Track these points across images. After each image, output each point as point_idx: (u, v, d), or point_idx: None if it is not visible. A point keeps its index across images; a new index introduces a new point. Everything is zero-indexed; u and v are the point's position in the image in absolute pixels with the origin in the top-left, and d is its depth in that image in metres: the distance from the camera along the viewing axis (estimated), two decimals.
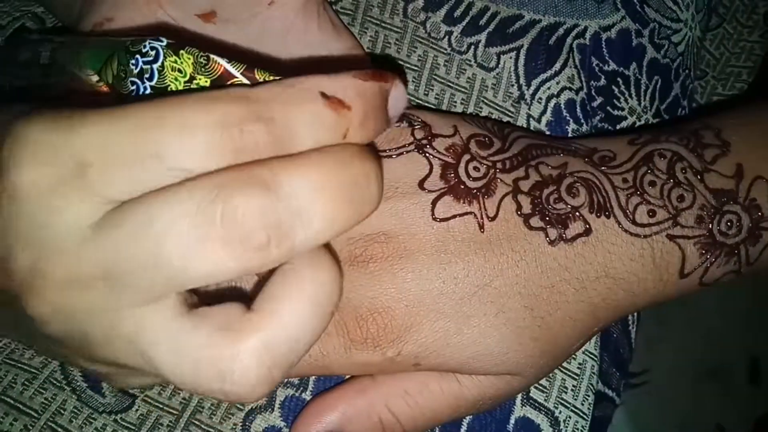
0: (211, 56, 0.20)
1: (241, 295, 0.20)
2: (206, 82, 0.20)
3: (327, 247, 0.20)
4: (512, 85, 0.32)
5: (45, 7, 0.35)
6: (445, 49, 0.33)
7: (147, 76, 0.20)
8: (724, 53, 0.45)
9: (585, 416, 0.30)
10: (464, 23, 0.33)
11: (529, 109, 0.32)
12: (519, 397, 0.29)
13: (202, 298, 0.20)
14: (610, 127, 0.33)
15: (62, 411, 0.27)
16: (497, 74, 0.32)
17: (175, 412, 0.28)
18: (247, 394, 0.18)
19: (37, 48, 0.23)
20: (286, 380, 0.28)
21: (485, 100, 0.32)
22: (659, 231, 0.26)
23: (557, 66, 0.32)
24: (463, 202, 0.25)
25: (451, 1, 0.33)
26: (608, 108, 0.33)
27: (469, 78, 0.32)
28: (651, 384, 0.96)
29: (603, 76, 0.33)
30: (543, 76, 0.32)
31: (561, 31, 0.32)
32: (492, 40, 0.32)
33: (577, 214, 0.26)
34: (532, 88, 0.32)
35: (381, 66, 0.21)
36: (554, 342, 0.26)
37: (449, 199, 0.25)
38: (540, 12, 0.32)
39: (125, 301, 0.17)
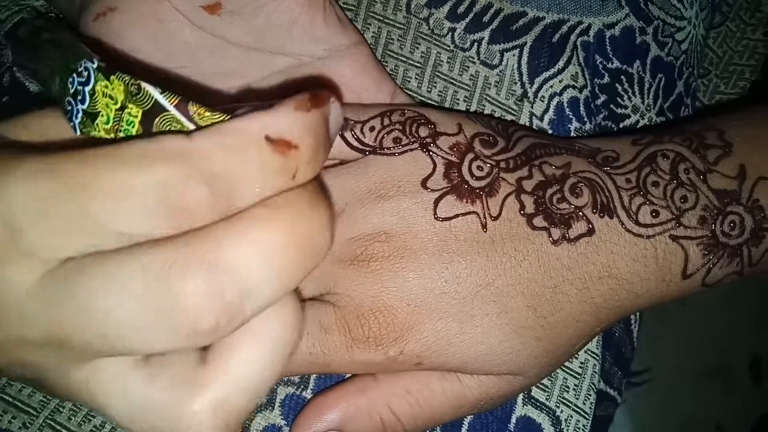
0: (143, 85, 0.18)
1: None
2: (138, 112, 0.18)
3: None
4: (515, 83, 0.32)
5: (46, 0, 0.35)
6: (449, 46, 0.32)
7: (80, 98, 0.19)
8: (728, 51, 0.45)
9: (586, 415, 0.30)
10: (467, 20, 0.32)
11: (531, 107, 0.32)
12: (520, 396, 0.29)
13: None
14: (613, 125, 0.33)
15: (61, 409, 0.27)
16: (500, 71, 0.32)
17: None
18: None
19: (40, 36, 0.22)
20: (286, 378, 0.28)
21: (488, 98, 0.32)
22: (662, 231, 0.26)
23: (560, 64, 0.32)
24: (466, 202, 0.25)
25: None
26: (612, 106, 0.33)
27: (472, 75, 0.32)
28: (652, 383, 0.96)
29: (607, 74, 0.33)
30: (546, 74, 0.32)
31: (565, 28, 0.32)
32: (495, 37, 0.32)
33: (581, 214, 0.26)
34: (535, 85, 0.32)
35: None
36: (556, 342, 0.26)
37: (452, 199, 0.25)
38: (544, 9, 0.32)
39: (74, 359, 0.17)
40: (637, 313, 0.35)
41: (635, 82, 0.33)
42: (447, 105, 0.32)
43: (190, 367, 0.18)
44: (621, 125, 0.33)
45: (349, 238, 0.25)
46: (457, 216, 0.25)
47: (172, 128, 0.18)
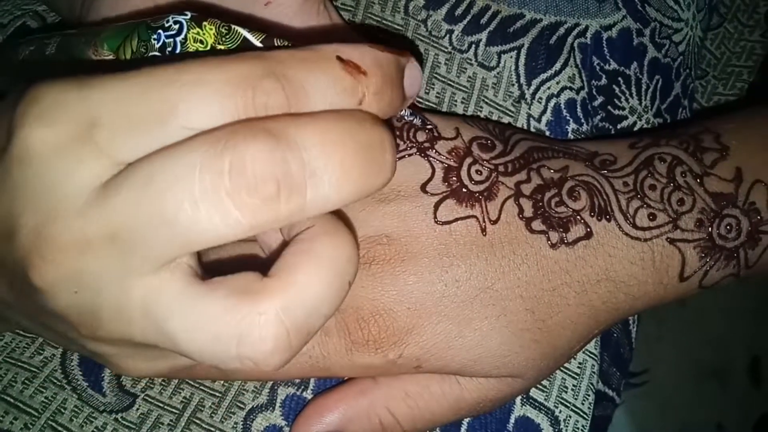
0: (233, 26, 0.20)
1: (256, 267, 0.19)
2: (226, 49, 0.20)
3: (344, 220, 0.20)
4: (513, 85, 0.32)
5: (47, 5, 0.35)
6: (446, 48, 0.33)
7: (169, 49, 0.20)
8: (725, 53, 0.45)
9: (585, 416, 0.30)
10: (465, 22, 0.32)
11: (529, 108, 0.32)
12: (519, 396, 0.29)
13: (217, 269, 0.19)
14: (610, 127, 0.33)
15: (63, 410, 0.27)
16: (498, 73, 0.32)
17: (175, 411, 0.28)
18: (265, 360, 0.17)
19: (43, 41, 0.23)
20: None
21: (486, 100, 0.32)
22: (659, 234, 0.26)
23: (558, 65, 0.32)
24: (466, 206, 0.25)
25: (452, 0, 0.32)
26: (609, 107, 0.33)
27: (469, 77, 0.32)
28: (651, 384, 0.96)
29: (604, 76, 0.33)
30: (543, 76, 0.32)
31: (562, 30, 0.32)
32: (493, 39, 0.32)
33: (579, 217, 0.26)
34: (533, 87, 0.32)
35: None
36: (555, 344, 0.26)
37: (451, 203, 0.25)
38: (541, 11, 0.32)
39: (135, 266, 0.17)
40: (636, 314, 0.36)
41: (632, 83, 0.34)
42: (445, 106, 0.32)
43: (251, 280, 0.18)
44: (618, 127, 0.34)
45: None
46: (456, 220, 0.25)
47: None
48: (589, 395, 0.30)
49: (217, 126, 0.16)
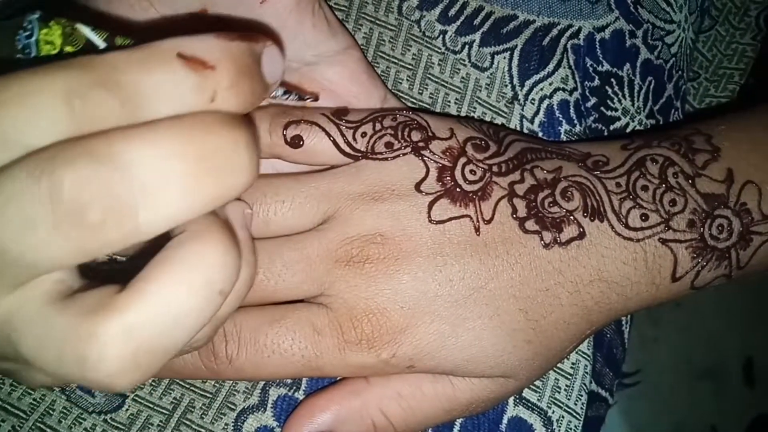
0: (77, 25, 0.19)
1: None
2: (73, 51, 0.19)
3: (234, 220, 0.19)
4: (506, 86, 0.32)
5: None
6: (440, 48, 0.33)
7: (28, 51, 0.19)
8: (717, 55, 0.46)
9: (578, 416, 0.30)
10: (459, 23, 0.32)
11: (522, 109, 0.32)
12: (512, 396, 0.29)
13: (100, 277, 0.18)
14: (603, 128, 0.34)
15: (51, 411, 0.27)
16: (491, 74, 0.32)
17: (165, 411, 0.28)
18: (110, 382, 0.16)
19: None
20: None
21: (479, 100, 0.32)
22: (652, 235, 0.26)
23: (551, 67, 0.32)
24: (460, 205, 0.25)
25: (446, 1, 0.32)
26: (602, 108, 0.33)
27: (463, 78, 0.32)
28: (646, 384, 0.97)
29: (597, 77, 0.33)
30: (536, 77, 0.32)
31: (555, 31, 0.32)
32: (486, 39, 0.32)
33: (572, 217, 0.26)
34: (526, 88, 0.32)
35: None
36: (548, 345, 0.26)
37: (445, 202, 0.25)
38: (534, 12, 0.32)
39: None
40: (629, 315, 0.36)
41: (625, 84, 0.34)
42: (438, 107, 0.32)
43: (105, 295, 0.16)
44: (611, 128, 0.34)
45: (345, 239, 0.25)
46: (450, 219, 0.25)
47: None
48: (581, 395, 0.30)
49: (44, 146, 0.15)
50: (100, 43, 0.19)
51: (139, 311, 0.16)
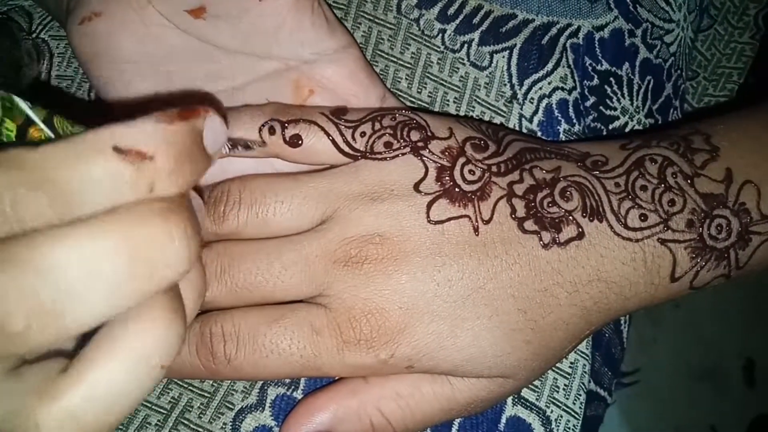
0: (15, 100, 0.18)
1: None
2: (13, 126, 0.18)
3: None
4: (505, 85, 0.32)
5: (34, 0, 0.34)
6: (439, 47, 0.32)
7: None
8: (716, 54, 0.46)
9: (577, 415, 0.30)
10: (458, 21, 0.32)
11: (521, 108, 0.32)
12: (510, 396, 0.29)
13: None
14: (602, 127, 0.34)
15: None
16: (490, 73, 0.32)
17: (163, 411, 0.28)
18: None
19: None
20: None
21: (477, 99, 0.32)
22: (651, 235, 0.26)
23: (550, 66, 0.32)
24: (459, 205, 0.25)
25: None
26: (601, 108, 0.33)
27: (462, 76, 0.32)
28: (645, 384, 0.97)
29: (596, 76, 0.33)
30: (535, 76, 0.32)
31: (554, 30, 0.32)
32: (485, 38, 0.32)
33: (571, 218, 0.26)
34: (525, 87, 0.32)
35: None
36: (546, 345, 0.26)
37: (444, 202, 0.25)
38: (533, 11, 0.32)
39: None
40: (627, 315, 0.36)
41: (624, 84, 0.34)
42: (437, 106, 0.32)
43: (50, 376, 0.16)
44: (610, 127, 0.34)
45: (343, 239, 0.25)
46: (449, 219, 0.25)
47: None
48: (580, 395, 0.30)
49: None
50: (38, 121, 0.18)
51: (79, 395, 0.16)
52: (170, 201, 0.17)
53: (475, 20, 0.32)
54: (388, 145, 0.26)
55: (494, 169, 0.26)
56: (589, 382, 0.31)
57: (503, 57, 0.32)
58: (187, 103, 0.18)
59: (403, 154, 0.26)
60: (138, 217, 0.16)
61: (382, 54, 0.32)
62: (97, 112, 0.17)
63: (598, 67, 0.33)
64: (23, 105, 0.18)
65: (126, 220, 0.16)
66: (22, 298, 0.15)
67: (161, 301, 0.17)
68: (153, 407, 0.27)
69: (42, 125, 0.19)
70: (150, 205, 0.16)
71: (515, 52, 0.32)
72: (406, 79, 0.32)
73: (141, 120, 0.16)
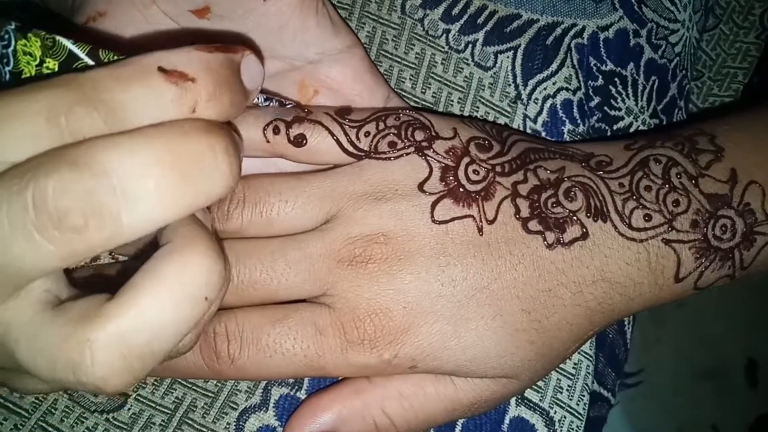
0: (57, 38, 0.19)
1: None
2: (54, 64, 0.19)
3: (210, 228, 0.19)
4: (509, 85, 0.32)
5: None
6: (443, 47, 0.32)
7: (5, 60, 0.20)
8: (720, 54, 0.46)
9: (580, 416, 0.30)
10: (462, 21, 0.32)
11: (525, 109, 0.32)
12: (514, 397, 0.29)
13: (90, 286, 0.19)
14: (606, 127, 0.33)
15: (53, 410, 0.27)
16: (494, 73, 0.32)
17: (167, 411, 0.28)
18: (103, 384, 0.17)
19: None
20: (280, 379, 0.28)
21: (482, 100, 0.32)
22: (655, 235, 0.26)
23: (554, 66, 0.32)
24: (463, 205, 0.25)
25: None
26: (605, 108, 0.33)
27: (466, 77, 0.32)
28: (648, 385, 0.97)
29: (600, 76, 0.33)
30: (540, 77, 0.32)
31: (559, 30, 0.32)
32: (489, 38, 0.32)
33: (575, 218, 0.26)
34: (529, 88, 0.32)
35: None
36: (550, 345, 0.26)
37: (449, 202, 0.25)
38: (538, 11, 0.32)
39: None
40: (631, 315, 0.36)
41: (629, 84, 0.34)
42: (441, 106, 0.32)
43: (95, 304, 0.17)
44: (614, 127, 0.34)
45: (347, 238, 0.25)
46: (453, 219, 0.25)
47: None
48: (584, 396, 0.30)
49: (28, 158, 0.16)
50: (82, 56, 0.19)
51: (128, 319, 0.17)
52: (213, 122, 0.18)
53: (480, 20, 0.32)
54: (392, 144, 0.26)
55: (498, 169, 0.26)
56: (593, 382, 0.31)
57: (507, 57, 0.32)
58: (225, 43, 0.19)
59: (407, 154, 0.26)
60: (182, 130, 0.17)
61: (386, 54, 0.32)
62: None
63: (603, 68, 0.33)
64: (66, 42, 0.19)
65: (172, 132, 0.17)
66: (80, 195, 0.16)
67: (203, 237, 0.18)
68: (157, 407, 0.28)
69: (86, 58, 0.19)
70: (193, 122, 0.17)
71: (519, 52, 0.32)
72: (411, 79, 0.32)
73: (183, 48, 0.18)
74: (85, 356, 0.17)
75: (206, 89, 0.18)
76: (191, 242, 0.18)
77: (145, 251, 0.22)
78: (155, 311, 0.17)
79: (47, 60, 0.19)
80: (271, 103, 0.26)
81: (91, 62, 0.20)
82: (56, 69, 0.19)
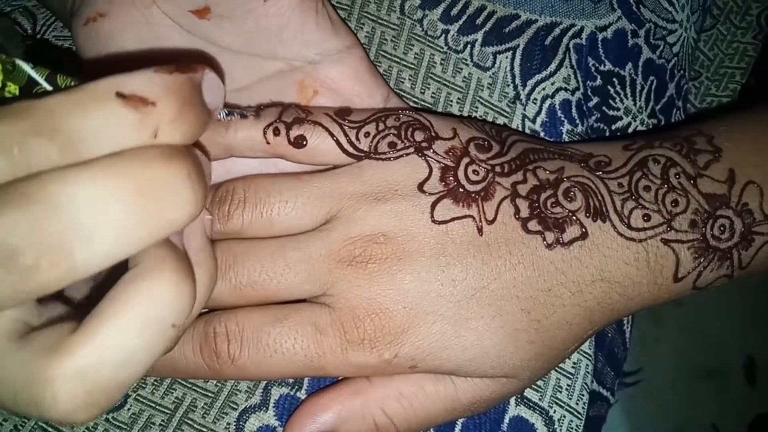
0: (17, 62, 0.19)
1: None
2: (15, 88, 0.19)
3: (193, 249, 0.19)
4: (508, 85, 0.32)
5: (38, 1, 0.34)
6: (442, 48, 0.32)
7: None
8: (718, 54, 0.46)
9: (579, 415, 0.30)
10: (461, 22, 0.32)
11: (524, 109, 0.32)
12: (513, 396, 0.29)
13: (66, 311, 0.19)
14: (605, 127, 0.34)
15: None
16: (493, 74, 0.32)
17: (167, 411, 0.28)
18: (67, 419, 0.17)
19: None
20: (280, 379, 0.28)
21: (481, 100, 0.32)
22: (654, 235, 0.26)
23: (553, 66, 0.32)
24: (462, 206, 0.25)
25: (448, 0, 0.32)
26: (604, 108, 0.33)
27: (465, 77, 0.32)
28: (647, 384, 0.97)
29: (599, 76, 0.33)
30: (538, 77, 0.32)
31: (557, 31, 0.32)
32: (488, 39, 0.32)
33: (574, 218, 0.26)
34: (528, 88, 0.32)
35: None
36: (550, 345, 0.26)
37: (448, 202, 0.25)
38: (536, 12, 0.32)
39: None
40: (630, 315, 0.36)
41: (627, 84, 0.34)
42: (440, 106, 0.32)
43: (60, 336, 0.17)
44: (613, 127, 0.34)
45: (347, 238, 0.25)
46: (453, 219, 0.25)
47: None
48: (583, 395, 0.30)
49: None
50: (41, 81, 0.19)
51: (91, 352, 0.16)
52: (174, 147, 0.17)
53: (479, 21, 0.32)
54: (392, 145, 0.26)
55: (498, 169, 0.26)
56: (592, 382, 0.31)
57: (506, 57, 0.32)
58: (183, 62, 0.18)
59: (407, 155, 0.26)
60: (142, 159, 0.16)
61: (386, 54, 0.32)
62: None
63: (601, 68, 0.33)
64: (25, 66, 0.19)
65: (131, 162, 0.16)
66: (32, 232, 0.15)
67: (171, 261, 0.18)
68: (157, 407, 0.28)
69: (45, 83, 0.19)
70: (154, 149, 0.17)
71: (518, 52, 0.32)
72: (410, 79, 0.32)
73: (141, 71, 0.17)
74: (46, 394, 0.16)
75: (168, 112, 0.17)
76: (159, 266, 0.17)
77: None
78: (119, 342, 0.17)
79: (9, 84, 0.19)
80: (233, 117, 0.26)
81: (49, 87, 0.19)
82: (17, 92, 0.19)
